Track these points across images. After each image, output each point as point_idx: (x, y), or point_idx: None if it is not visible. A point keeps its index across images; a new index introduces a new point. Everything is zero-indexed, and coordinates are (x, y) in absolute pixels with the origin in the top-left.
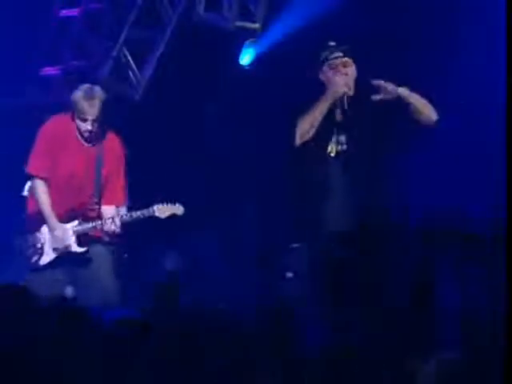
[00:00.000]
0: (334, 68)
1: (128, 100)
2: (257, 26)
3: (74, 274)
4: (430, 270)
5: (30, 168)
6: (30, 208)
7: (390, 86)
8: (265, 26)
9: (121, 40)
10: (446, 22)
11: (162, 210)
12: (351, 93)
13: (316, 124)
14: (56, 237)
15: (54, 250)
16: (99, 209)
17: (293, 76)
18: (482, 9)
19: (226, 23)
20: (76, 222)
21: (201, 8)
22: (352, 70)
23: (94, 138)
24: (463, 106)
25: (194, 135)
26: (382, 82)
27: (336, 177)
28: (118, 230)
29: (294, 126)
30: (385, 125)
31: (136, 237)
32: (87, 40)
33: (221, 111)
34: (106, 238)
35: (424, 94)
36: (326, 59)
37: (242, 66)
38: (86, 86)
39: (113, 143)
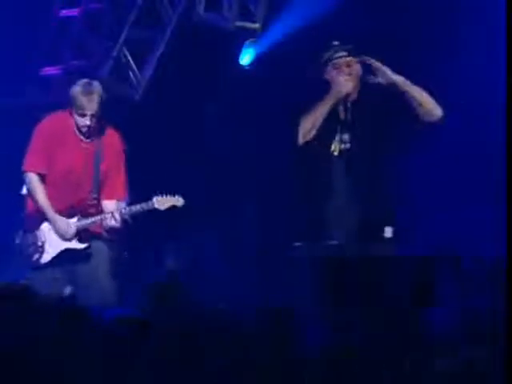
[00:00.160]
0: (337, 68)
1: (128, 100)
2: (257, 26)
3: (74, 272)
4: (430, 270)
5: (26, 165)
6: (30, 207)
7: (388, 71)
8: (265, 25)
9: (121, 40)
10: (445, 22)
11: (161, 202)
12: (355, 92)
13: (318, 123)
14: (58, 227)
15: (56, 249)
16: (98, 204)
17: (293, 76)
18: (481, 9)
19: (226, 23)
20: (75, 219)
21: (201, 8)
22: (356, 70)
23: (93, 134)
24: (463, 105)
25: (195, 135)
26: (381, 65)
27: (339, 175)
28: (117, 225)
29: (294, 126)
30: (388, 124)
31: (136, 235)
32: (87, 40)
33: (221, 111)
34: (106, 234)
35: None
36: (330, 59)
37: (241, 65)
38: (85, 80)
39: (112, 138)
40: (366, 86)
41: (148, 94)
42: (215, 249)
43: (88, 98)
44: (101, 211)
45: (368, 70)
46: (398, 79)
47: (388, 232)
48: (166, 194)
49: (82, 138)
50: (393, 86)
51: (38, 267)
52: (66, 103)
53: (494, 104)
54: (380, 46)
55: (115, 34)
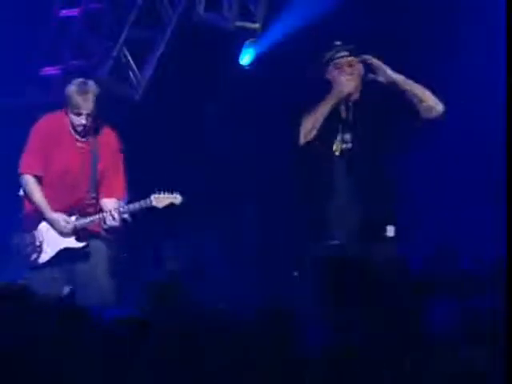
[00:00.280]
0: (339, 68)
1: (128, 100)
2: (257, 26)
3: (73, 271)
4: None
5: (22, 167)
6: (27, 207)
7: (388, 70)
8: (265, 25)
9: (121, 40)
10: (445, 21)
11: (159, 200)
12: (357, 92)
13: (319, 123)
14: (56, 223)
15: (54, 249)
16: (96, 204)
17: (293, 76)
18: (481, 9)
19: (226, 23)
20: (74, 218)
21: (201, 8)
22: (358, 70)
23: (88, 133)
24: (464, 105)
25: (195, 135)
26: (381, 63)
27: (341, 175)
28: (116, 224)
29: (295, 126)
30: (389, 123)
31: (135, 234)
32: (87, 40)
33: (221, 111)
34: (104, 233)
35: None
36: (332, 59)
37: (241, 65)
38: (80, 80)
39: (108, 137)
40: (367, 85)
41: (148, 93)
42: (215, 248)
43: (83, 97)
44: (99, 210)
45: (369, 69)
46: (398, 78)
47: (390, 231)
48: (164, 192)
49: (77, 137)
50: (393, 84)
51: (37, 267)
52: (66, 103)
53: (495, 104)
54: (380, 46)
55: (115, 34)
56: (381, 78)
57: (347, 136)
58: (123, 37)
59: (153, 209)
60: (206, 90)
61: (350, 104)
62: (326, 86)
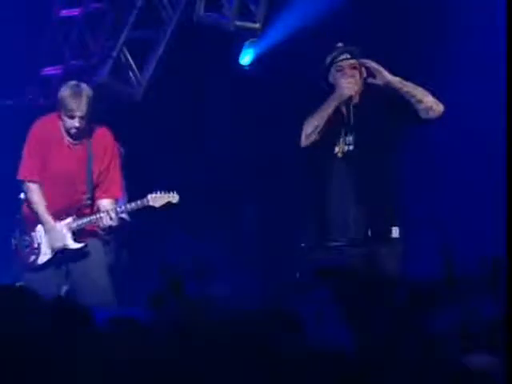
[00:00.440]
0: (340, 70)
1: (128, 100)
2: (257, 25)
3: (71, 272)
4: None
5: (21, 173)
6: (25, 209)
7: (385, 72)
8: (265, 25)
9: (121, 40)
10: (446, 21)
11: (156, 199)
12: (359, 94)
13: (321, 126)
14: (53, 237)
15: (52, 250)
16: (93, 205)
17: (293, 76)
18: (482, 8)
19: (226, 23)
20: (70, 219)
21: (201, 8)
22: (359, 72)
23: (82, 135)
24: (464, 105)
25: (194, 135)
26: (378, 66)
27: (343, 177)
28: (113, 224)
29: (295, 126)
30: (391, 125)
31: (135, 233)
32: (87, 40)
33: (221, 111)
34: (102, 233)
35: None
36: (334, 61)
37: (241, 65)
38: (73, 82)
39: (104, 138)
40: (369, 87)
41: (148, 94)
42: (216, 249)
43: (76, 100)
44: (96, 211)
45: (368, 72)
46: (394, 79)
47: (395, 232)
48: (161, 191)
49: (70, 140)
50: (391, 86)
51: (36, 268)
52: None
53: (495, 104)
54: (380, 46)
55: (115, 34)
56: (379, 81)
57: (350, 138)
58: (123, 37)
59: (150, 208)
60: (205, 90)
61: (352, 106)
62: (328, 88)
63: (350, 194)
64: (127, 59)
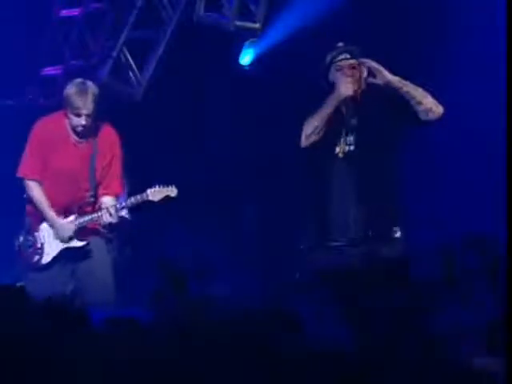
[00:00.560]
0: (340, 70)
1: (128, 100)
2: (257, 25)
3: (75, 271)
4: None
5: (21, 171)
6: (29, 208)
7: (385, 72)
8: (265, 25)
9: (121, 40)
10: (446, 21)
11: (154, 193)
12: (359, 94)
13: (320, 126)
14: (57, 231)
15: (56, 246)
16: (96, 202)
17: (293, 76)
18: (482, 8)
19: (226, 23)
20: (73, 217)
21: (201, 8)
22: (359, 72)
23: (88, 133)
24: (464, 105)
25: (195, 135)
26: (378, 66)
27: (343, 178)
28: (113, 221)
29: (295, 126)
30: (391, 124)
31: (135, 233)
32: (87, 40)
33: (221, 111)
34: (103, 230)
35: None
36: (333, 61)
37: (241, 65)
38: (79, 80)
39: (108, 137)
40: (370, 87)
41: (148, 94)
42: (216, 249)
43: (83, 97)
44: (98, 209)
45: (368, 71)
46: (394, 79)
47: (396, 232)
48: (160, 185)
49: (76, 138)
50: (391, 86)
51: (39, 268)
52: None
53: (495, 103)
54: (380, 46)
55: (115, 34)
56: (379, 81)
57: (350, 138)
58: (123, 37)
59: (150, 203)
60: (205, 90)
61: (353, 106)
62: (329, 88)
63: (351, 193)
64: (127, 59)
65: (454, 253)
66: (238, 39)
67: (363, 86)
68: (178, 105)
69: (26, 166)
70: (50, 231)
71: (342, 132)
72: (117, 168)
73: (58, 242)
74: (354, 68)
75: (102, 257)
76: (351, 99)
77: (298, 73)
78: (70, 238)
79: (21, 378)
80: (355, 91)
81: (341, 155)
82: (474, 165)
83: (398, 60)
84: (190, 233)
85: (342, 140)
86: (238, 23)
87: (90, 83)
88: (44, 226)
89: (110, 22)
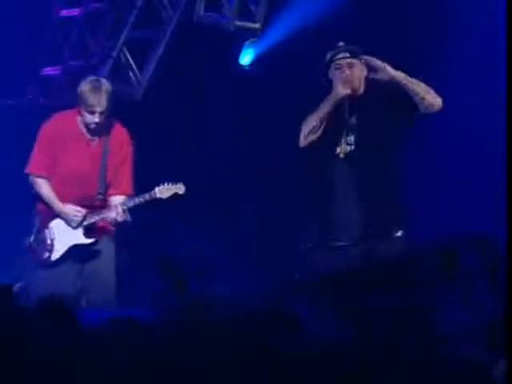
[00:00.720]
0: (338, 68)
1: (128, 100)
2: (257, 25)
3: (83, 270)
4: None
5: (29, 168)
6: (39, 206)
7: (389, 68)
8: (265, 25)
9: (121, 40)
10: (446, 21)
11: (163, 191)
12: (358, 93)
13: (319, 125)
14: (66, 216)
15: (67, 239)
16: (105, 201)
17: (293, 76)
18: (482, 9)
19: (226, 23)
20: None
21: (201, 8)
22: (358, 71)
23: (101, 131)
24: (464, 105)
25: (195, 136)
26: (382, 63)
27: (345, 178)
28: (120, 219)
29: (294, 126)
30: (391, 123)
31: (135, 232)
32: (87, 40)
33: (221, 111)
34: (112, 229)
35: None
36: (332, 60)
37: (241, 65)
38: (92, 78)
39: (121, 135)
40: (370, 86)
41: (148, 94)
42: (216, 249)
43: (97, 95)
44: (107, 207)
45: (371, 69)
46: (400, 75)
47: (398, 231)
48: (168, 183)
49: (89, 135)
50: (395, 82)
51: (49, 265)
52: (66, 103)
53: (495, 103)
54: (380, 45)
55: (115, 34)
56: (383, 77)
57: (351, 138)
58: (123, 37)
59: (158, 201)
60: (205, 90)
61: (353, 105)
62: (329, 86)
63: (353, 193)
64: (127, 59)
65: (454, 253)
66: (238, 39)
67: (363, 85)
68: (178, 105)
69: (34, 162)
70: (61, 228)
71: (342, 132)
72: (128, 168)
73: (67, 238)
74: (352, 67)
75: (109, 257)
76: (351, 98)
77: (298, 73)
78: (79, 224)
79: (21, 378)
80: (354, 90)
81: (342, 156)
82: (474, 165)
83: (398, 60)
84: (190, 233)
85: (343, 140)
86: (238, 23)
87: (103, 80)
88: (54, 223)
89: (110, 22)
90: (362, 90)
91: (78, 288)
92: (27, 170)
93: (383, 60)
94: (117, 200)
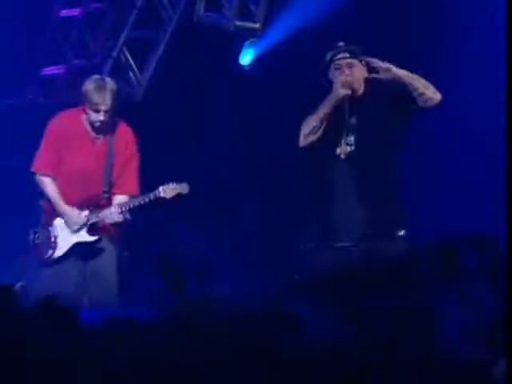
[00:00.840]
0: (338, 69)
1: (128, 100)
2: (257, 25)
3: (85, 268)
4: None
5: (35, 166)
6: (43, 204)
7: (391, 67)
8: (265, 25)
9: (121, 40)
10: (446, 21)
11: (167, 191)
12: (358, 93)
13: (319, 126)
14: (68, 218)
15: (70, 237)
16: (110, 200)
17: (293, 76)
18: (482, 9)
19: (226, 23)
20: (87, 212)
21: (201, 8)
22: (358, 71)
23: (106, 129)
24: (464, 105)
25: (195, 135)
26: (383, 63)
27: (345, 178)
28: (118, 219)
29: (295, 126)
30: (391, 122)
31: (135, 232)
32: (87, 40)
33: (221, 111)
34: (113, 228)
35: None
36: (332, 60)
37: (241, 65)
38: (97, 76)
39: (126, 134)
40: (370, 86)
41: (148, 94)
42: (216, 249)
43: (101, 93)
44: (111, 206)
45: (371, 69)
46: (404, 73)
47: (400, 230)
48: (172, 182)
49: (94, 134)
50: (397, 80)
51: (52, 263)
52: (67, 103)
53: (495, 103)
54: (380, 46)
55: (115, 34)
56: (386, 78)
57: (351, 138)
58: (123, 37)
59: (162, 200)
60: (205, 90)
61: (353, 106)
62: (328, 85)
63: (354, 193)
64: (127, 59)
65: (454, 252)
66: (238, 39)
67: (363, 85)
68: (178, 105)
69: (40, 161)
70: (64, 225)
71: (342, 132)
72: (133, 167)
73: (70, 236)
74: (352, 67)
75: (111, 256)
76: (351, 99)
77: (298, 73)
78: (81, 228)
79: (20, 378)
80: (354, 90)
81: (342, 156)
82: (474, 165)
83: (398, 60)
84: (191, 232)
85: (343, 141)
86: (238, 23)
87: (108, 79)
88: (58, 220)
89: (110, 22)
90: (361, 90)
91: (80, 286)
92: (33, 169)
93: (383, 60)
94: (120, 199)
